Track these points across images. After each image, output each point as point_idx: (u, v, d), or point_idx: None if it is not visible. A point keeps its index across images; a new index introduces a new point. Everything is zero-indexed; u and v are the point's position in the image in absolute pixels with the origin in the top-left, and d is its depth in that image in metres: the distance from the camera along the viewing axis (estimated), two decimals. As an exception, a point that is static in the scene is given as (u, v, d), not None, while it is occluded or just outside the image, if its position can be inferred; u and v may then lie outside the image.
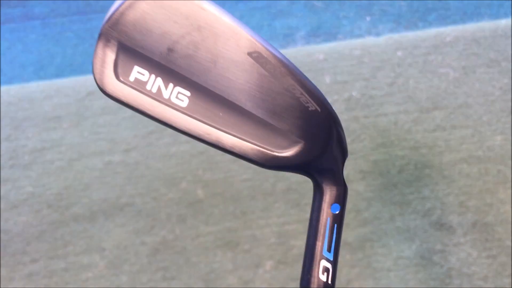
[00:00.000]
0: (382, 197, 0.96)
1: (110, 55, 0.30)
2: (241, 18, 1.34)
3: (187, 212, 0.98)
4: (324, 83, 1.13)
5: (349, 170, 1.00)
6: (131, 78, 0.31)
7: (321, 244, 0.36)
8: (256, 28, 1.30)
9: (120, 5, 0.30)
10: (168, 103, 0.31)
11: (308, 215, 0.99)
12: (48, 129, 1.11)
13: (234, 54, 0.31)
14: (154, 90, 0.31)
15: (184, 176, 1.02)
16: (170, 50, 0.30)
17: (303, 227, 0.94)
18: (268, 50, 0.31)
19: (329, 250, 0.36)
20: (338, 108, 1.09)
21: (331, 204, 0.36)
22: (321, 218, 0.36)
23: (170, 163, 1.03)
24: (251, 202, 0.98)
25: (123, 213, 0.99)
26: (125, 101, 0.31)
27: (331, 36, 1.25)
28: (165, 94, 0.31)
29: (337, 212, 0.36)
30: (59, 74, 1.25)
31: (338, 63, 1.17)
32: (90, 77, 1.24)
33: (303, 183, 0.99)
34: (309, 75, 1.13)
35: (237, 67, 0.31)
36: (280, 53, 0.33)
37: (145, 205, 0.99)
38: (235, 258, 0.93)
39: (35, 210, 1.00)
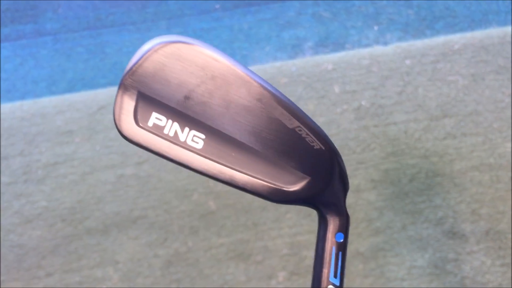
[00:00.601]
0: (393, 206, 0.96)
1: (130, 103, 0.32)
2: (250, 29, 1.35)
3: (199, 224, 0.99)
4: (333, 93, 1.14)
5: (360, 179, 1.00)
6: (150, 124, 0.33)
7: (327, 271, 0.39)
8: (264, 40, 1.32)
9: (140, 58, 0.32)
10: (184, 146, 0.34)
11: (320, 226, 0.99)
12: (61, 143, 1.12)
13: (245, 100, 0.33)
14: (171, 134, 0.33)
15: (195, 188, 1.02)
16: (186, 97, 0.33)
17: (315, 238, 0.94)
18: (276, 96, 0.34)
19: (335, 276, 0.39)
20: (348, 117, 1.09)
21: (336, 234, 0.39)
22: (326, 246, 0.39)
23: (182, 175, 1.04)
24: (263, 213, 0.99)
25: (136, 226, 0.99)
26: (144, 145, 0.33)
27: (339, 46, 1.26)
28: (182, 137, 0.34)
29: (341, 241, 0.39)
30: (70, 89, 1.26)
31: (346, 72, 1.17)
32: (102, 91, 1.26)
33: (314, 194, 0.99)
34: (318, 85, 1.14)
35: (248, 112, 0.34)
36: (286, 98, 0.36)
37: (158, 217, 1.00)
38: (247, 270, 0.93)
39: (49, 224, 1.02)
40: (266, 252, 0.94)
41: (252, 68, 1.25)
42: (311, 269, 0.93)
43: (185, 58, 0.32)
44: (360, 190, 0.99)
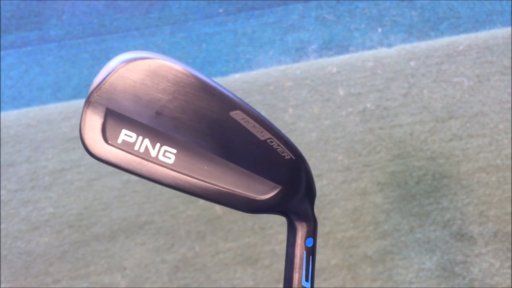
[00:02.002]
0: (401, 209, 0.96)
1: (97, 120, 0.31)
2: (253, 33, 1.35)
3: (206, 228, 0.99)
4: (338, 96, 1.14)
5: (366, 182, 1.00)
6: (119, 141, 0.32)
7: (299, 276, 0.40)
8: (268, 43, 1.32)
9: (108, 74, 0.31)
10: (156, 161, 0.33)
11: (327, 229, 0.99)
12: (67, 150, 1.13)
13: (217, 114, 0.34)
14: (142, 150, 0.33)
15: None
16: (158, 113, 0.32)
17: (323, 241, 0.94)
18: (247, 109, 0.35)
19: (306, 280, 0.40)
20: (353, 120, 1.09)
21: (306, 239, 0.40)
22: (297, 252, 0.40)
23: (188, 180, 1.04)
24: (269, 217, 0.98)
25: (143, 232, 1.00)
26: (114, 163, 0.32)
27: (343, 48, 1.26)
28: (153, 153, 0.33)
29: (311, 246, 0.40)
30: (76, 95, 1.27)
31: (351, 75, 1.17)
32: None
33: (321, 197, 0.99)
34: (323, 88, 1.14)
35: (220, 125, 0.34)
36: (256, 111, 0.36)
37: (164, 223, 1.00)
38: (255, 274, 0.93)
39: (56, 231, 1.02)
40: (274, 256, 0.94)
41: (256, 71, 1.25)
42: (319, 273, 0.93)
43: (156, 74, 0.32)
44: (366, 193, 0.99)
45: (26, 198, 1.07)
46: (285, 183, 0.37)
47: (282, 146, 0.36)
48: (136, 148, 0.33)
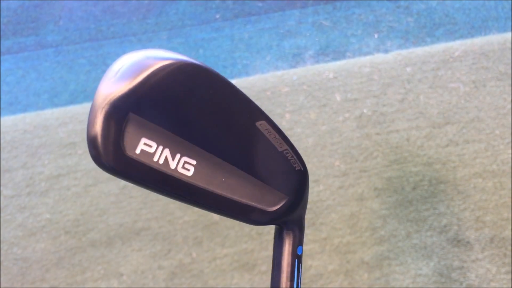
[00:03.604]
0: (397, 214, 0.96)
1: (115, 127, 0.28)
2: (250, 39, 1.35)
3: (203, 234, 0.98)
4: (334, 101, 1.14)
5: (363, 188, 1.00)
6: (137, 151, 0.29)
7: (290, 283, 0.40)
8: (265, 49, 1.32)
9: (140, 74, 0.28)
10: (174, 174, 0.30)
11: (324, 235, 0.99)
12: (64, 155, 1.13)
13: (244, 124, 0.34)
14: (161, 161, 0.30)
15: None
16: (187, 120, 0.30)
17: (320, 247, 0.94)
18: (270, 120, 0.36)
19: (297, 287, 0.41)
20: (350, 126, 1.09)
21: (297, 247, 0.40)
22: (290, 260, 0.40)
23: (185, 186, 1.04)
24: (267, 223, 0.98)
25: (140, 238, 0.99)
26: (131, 176, 0.29)
27: (339, 54, 1.27)
28: (172, 164, 0.30)
29: (301, 253, 0.41)
30: (73, 100, 1.27)
31: (348, 81, 1.18)
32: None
33: (317, 202, 0.99)
34: (320, 94, 1.14)
35: (246, 135, 0.34)
36: (274, 122, 0.37)
37: (161, 228, 1.00)
38: (252, 280, 0.93)
39: (52, 237, 1.01)
40: (271, 261, 0.94)
41: (253, 77, 1.25)
42: (316, 279, 0.93)
43: (192, 78, 0.29)
44: (363, 199, 0.99)
45: (23, 204, 1.07)
46: (291, 193, 0.38)
47: (295, 157, 0.37)
48: (155, 159, 0.30)
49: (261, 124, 0.35)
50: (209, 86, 0.31)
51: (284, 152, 0.36)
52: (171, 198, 0.32)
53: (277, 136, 0.36)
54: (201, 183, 0.32)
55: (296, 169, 0.37)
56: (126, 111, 0.28)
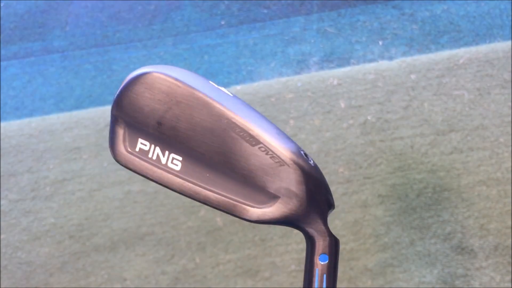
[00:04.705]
0: (401, 222, 0.96)
1: (120, 131, 0.36)
2: (255, 45, 1.36)
3: (207, 240, 0.99)
4: (339, 108, 1.14)
5: (367, 194, 1.00)
6: (137, 149, 0.36)
7: None
8: (269, 55, 1.33)
9: (119, 91, 0.35)
10: (165, 168, 0.36)
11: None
12: (69, 160, 1.13)
13: (207, 122, 0.35)
14: (155, 157, 0.36)
15: (202, 204, 1.03)
16: (159, 123, 0.35)
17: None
18: (237, 115, 0.35)
19: None
20: (354, 132, 1.10)
21: (319, 255, 0.37)
22: (310, 268, 0.38)
23: (189, 192, 1.04)
24: (270, 228, 0.99)
25: (144, 243, 1.00)
26: (134, 169, 0.36)
27: (344, 61, 1.27)
28: (163, 160, 0.36)
29: (325, 263, 0.37)
30: (78, 105, 1.28)
31: (352, 87, 1.18)
32: (109, 107, 1.27)
33: (321, 209, 0.99)
34: (324, 101, 1.14)
35: (212, 133, 0.35)
36: (251, 117, 0.36)
37: (165, 234, 1.00)
38: (255, 286, 0.93)
39: (57, 241, 1.02)
40: (274, 268, 0.94)
41: (258, 83, 1.26)
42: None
43: (151, 86, 0.35)
44: (367, 205, 0.99)
45: (27, 208, 1.07)
46: (283, 193, 0.36)
47: (275, 154, 0.35)
48: (150, 155, 0.36)
49: (225, 121, 0.35)
50: (167, 92, 0.35)
51: (261, 148, 0.35)
52: (169, 189, 0.36)
53: (246, 131, 0.35)
54: (188, 177, 0.36)
55: (280, 166, 0.35)
56: (121, 117, 0.35)
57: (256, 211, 0.36)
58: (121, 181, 1.08)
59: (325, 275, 0.37)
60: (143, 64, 1.45)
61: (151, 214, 1.03)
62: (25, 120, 1.24)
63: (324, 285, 0.37)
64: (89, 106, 1.27)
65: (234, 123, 0.35)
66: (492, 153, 1.02)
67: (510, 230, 0.93)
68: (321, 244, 0.37)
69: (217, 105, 0.35)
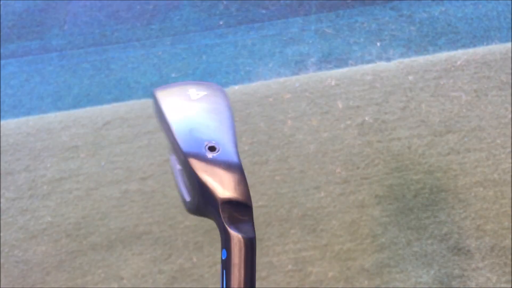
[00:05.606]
0: (398, 222, 0.96)
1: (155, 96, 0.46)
2: (253, 46, 1.36)
3: (204, 239, 0.99)
4: (336, 109, 1.15)
5: (364, 195, 1.00)
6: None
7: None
8: (268, 56, 1.33)
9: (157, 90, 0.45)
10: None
11: (324, 241, 0.99)
12: (66, 159, 1.13)
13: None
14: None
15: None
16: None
17: (320, 253, 0.94)
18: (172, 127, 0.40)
19: None
20: (351, 133, 1.10)
21: (222, 249, 0.36)
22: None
23: (186, 191, 1.04)
24: (267, 228, 0.99)
25: (141, 242, 0.99)
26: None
27: (342, 62, 1.27)
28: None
29: (224, 258, 0.35)
30: (76, 104, 1.27)
31: (350, 88, 1.18)
32: (107, 107, 1.27)
33: (318, 209, 1.00)
34: (322, 101, 1.15)
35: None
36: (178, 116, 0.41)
37: (162, 233, 1.00)
38: (252, 286, 0.93)
39: (54, 240, 1.02)
40: (271, 267, 0.94)
41: (256, 83, 1.26)
42: (316, 285, 0.93)
43: (154, 102, 0.44)
44: (364, 206, 0.99)
45: (24, 206, 1.07)
46: (189, 184, 0.38)
47: (180, 148, 0.37)
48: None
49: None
50: (158, 109, 0.42)
51: (174, 145, 0.39)
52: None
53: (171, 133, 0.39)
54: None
55: (185, 158, 0.37)
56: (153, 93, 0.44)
57: (185, 202, 0.39)
58: (118, 180, 1.08)
59: (224, 271, 0.35)
60: (141, 64, 1.45)
61: (148, 213, 1.03)
62: (23, 119, 1.24)
63: (224, 282, 0.35)
64: (87, 105, 1.27)
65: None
66: (489, 154, 1.03)
67: (506, 231, 0.94)
68: (222, 239, 0.35)
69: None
